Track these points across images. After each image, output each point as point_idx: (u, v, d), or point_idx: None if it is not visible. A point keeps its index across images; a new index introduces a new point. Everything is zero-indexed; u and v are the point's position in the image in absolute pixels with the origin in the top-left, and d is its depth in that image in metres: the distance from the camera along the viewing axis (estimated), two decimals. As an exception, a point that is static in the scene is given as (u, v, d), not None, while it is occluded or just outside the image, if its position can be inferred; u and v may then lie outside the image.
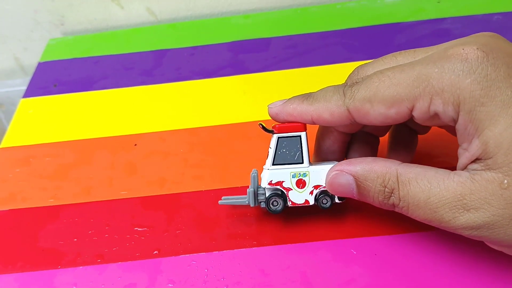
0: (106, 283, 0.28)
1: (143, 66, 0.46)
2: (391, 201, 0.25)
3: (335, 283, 0.27)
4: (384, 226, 0.30)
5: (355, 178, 0.26)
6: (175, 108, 0.41)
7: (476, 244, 0.26)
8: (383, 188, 0.25)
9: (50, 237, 0.31)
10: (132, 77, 0.45)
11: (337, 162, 0.28)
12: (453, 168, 0.24)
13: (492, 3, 0.49)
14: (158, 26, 0.52)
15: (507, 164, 0.22)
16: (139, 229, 0.31)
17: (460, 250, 0.28)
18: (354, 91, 0.25)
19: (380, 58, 0.27)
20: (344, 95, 0.25)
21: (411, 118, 0.25)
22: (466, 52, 0.22)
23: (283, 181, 0.28)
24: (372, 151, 0.31)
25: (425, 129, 0.30)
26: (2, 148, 0.39)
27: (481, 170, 0.23)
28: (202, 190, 0.33)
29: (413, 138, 0.31)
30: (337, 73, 0.43)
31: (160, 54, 0.47)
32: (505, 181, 0.22)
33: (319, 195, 0.28)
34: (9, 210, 0.34)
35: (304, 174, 0.28)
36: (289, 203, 0.29)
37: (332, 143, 0.30)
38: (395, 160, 0.25)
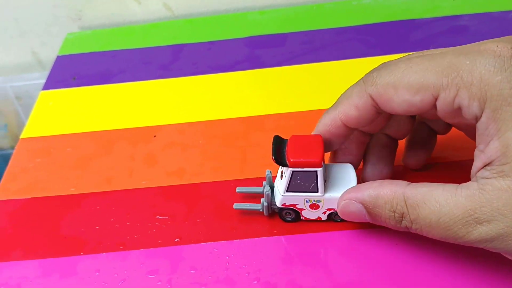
0: (129, 269, 0.29)
1: (161, 60, 0.47)
2: (403, 225, 0.25)
3: (355, 271, 0.27)
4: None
5: (364, 206, 0.26)
6: (193, 101, 0.42)
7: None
8: (393, 214, 0.25)
9: (72, 225, 0.32)
10: (150, 71, 0.45)
11: (351, 165, 0.29)
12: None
13: (507, 0, 0.49)
14: (175, 21, 0.53)
15: None
16: (160, 217, 0.31)
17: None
18: (375, 76, 0.25)
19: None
20: (364, 83, 0.25)
21: (432, 115, 0.24)
22: (500, 49, 0.22)
23: (296, 204, 0.29)
24: (391, 154, 0.30)
25: (446, 128, 0.30)
26: (22, 139, 0.40)
27: (492, 178, 0.22)
28: (221, 181, 0.34)
29: (432, 138, 0.31)
30: (353, 68, 0.43)
31: (177, 49, 0.48)
32: None
33: (332, 214, 0.29)
34: (31, 198, 0.34)
35: (318, 200, 0.28)
36: (302, 218, 0.30)
37: (350, 142, 0.30)
38: (401, 181, 0.25)
